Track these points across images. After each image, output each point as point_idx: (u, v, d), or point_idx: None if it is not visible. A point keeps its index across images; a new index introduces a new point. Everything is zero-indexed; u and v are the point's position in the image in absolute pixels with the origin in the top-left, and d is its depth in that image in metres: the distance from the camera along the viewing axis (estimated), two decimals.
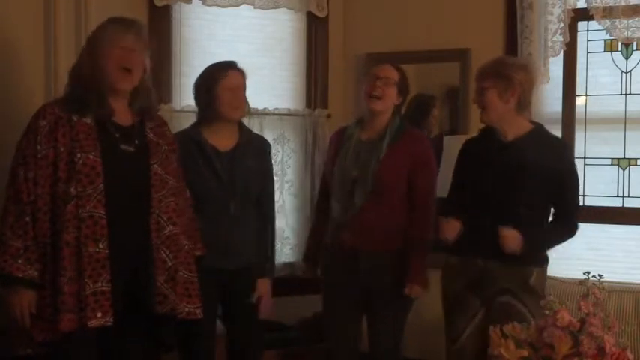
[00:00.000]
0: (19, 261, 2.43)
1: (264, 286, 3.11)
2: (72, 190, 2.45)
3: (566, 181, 2.89)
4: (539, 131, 2.96)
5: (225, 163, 3.01)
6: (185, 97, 3.85)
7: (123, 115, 2.61)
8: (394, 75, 3.13)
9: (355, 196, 3.08)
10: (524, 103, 2.91)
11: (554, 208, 2.93)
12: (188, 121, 3.59)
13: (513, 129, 2.90)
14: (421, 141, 3.22)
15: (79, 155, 2.46)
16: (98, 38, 2.58)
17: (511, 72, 2.87)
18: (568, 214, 2.93)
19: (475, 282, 2.92)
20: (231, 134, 3.08)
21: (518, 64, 2.98)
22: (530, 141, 2.89)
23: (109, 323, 2.44)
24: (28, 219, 2.45)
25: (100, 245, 2.45)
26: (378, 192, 3.07)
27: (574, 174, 2.96)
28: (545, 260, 2.97)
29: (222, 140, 3.05)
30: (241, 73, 3.07)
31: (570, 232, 2.93)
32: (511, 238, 2.78)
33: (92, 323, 2.41)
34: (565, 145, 3.01)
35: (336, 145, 3.23)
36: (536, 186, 2.85)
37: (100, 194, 2.46)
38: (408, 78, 3.21)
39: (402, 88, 3.16)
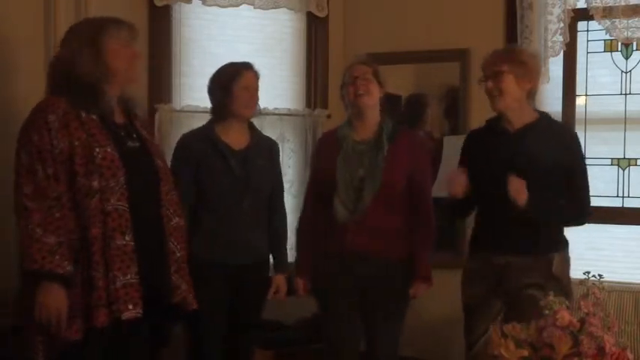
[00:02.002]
0: (56, 257, 2.37)
1: (283, 281, 3.22)
2: (95, 184, 2.43)
3: (575, 168, 2.88)
4: (545, 119, 2.96)
5: (238, 160, 3.09)
6: (185, 97, 3.86)
7: (116, 114, 2.62)
8: (368, 70, 3.11)
9: (364, 196, 3.03)
10: (534, 92, 2.94)
11: (565, 197, 2.89)
12: (188, 121, 3.61)
13: (521, 117, 2.90)
14: (418, 141, 3.24)
15: (97, 149, 2.45)
16: (105, 39, 2.54)
17: (526, 59, 2.90)
18: (579, 200, 2.89)
19: (496, 283, 2.89)
20: (242, 133, 3.17)
21: (530, 52, 3.04)
22: (537, 129, 2.88)
23: (140, 314, 2.44)
24: (58, 215, 2.40)
25: (127, 237, 2.45)
26: (383, 192, 3.04)
27: (582, 161, 2.96)
28: (565, 244, 2.95)
29: (235, 139, 3.14)
30: (256, 74, 3.17)
31: (581, 214, 2.91)
32: (517, 186, 2.73)
33: (125, 315, 2.40)
34: (572, 133, 3.00)
35: (330, 147, 3.15)
36: (547, 174, 2.83)
37: (122, 187, 2.46)
38: (379, 71, 3.17)
39: (380, 80, 3.13)
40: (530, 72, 2.88)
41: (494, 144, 2.92)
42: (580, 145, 2.99)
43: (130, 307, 2.42)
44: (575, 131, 3.03)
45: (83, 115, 2.49)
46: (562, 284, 2.78)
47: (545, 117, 2.97)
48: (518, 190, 2.74)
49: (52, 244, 2.37)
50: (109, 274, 2.41)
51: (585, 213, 2.93)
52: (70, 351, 2.42)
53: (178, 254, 2.63)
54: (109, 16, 2.64)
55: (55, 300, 2.38)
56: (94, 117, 2.51)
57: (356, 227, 3.02)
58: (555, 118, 3.06)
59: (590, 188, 2.96)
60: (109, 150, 2.47)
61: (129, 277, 2.44)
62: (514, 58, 2.88)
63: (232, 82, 3.08)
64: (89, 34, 2.55)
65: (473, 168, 2.96)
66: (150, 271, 2.52)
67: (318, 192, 3.18)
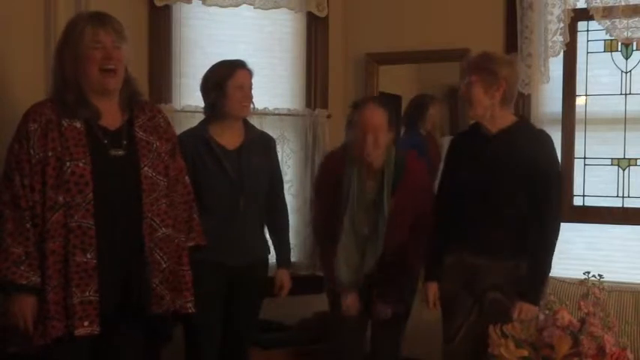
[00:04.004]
0: (22, 267, 2.39)
1: (287, 276, 3.21)
2: (60, 198, 2.42)
3: (545, 174, 2.89)
4: (522, 124, 3.01)
5: (233, 161, 3.06)
6: (185, 97, 3.85)
7: (111, 117, 2.57)
8: (382, 120, 3.05)
9: (367, 256, 3.09)
10: (509, 98, 2.95)
11: (534, 204, 2.89)
12: (188, 121, 3.61)
13: (496, 123, 2.94)
14: (422, 177, 3.17)
15: (68, 163, 2.43)
16: (76, 38, 2.49)
17: (496, 67, 2.90)
18: (546, 210, 2.88)
19: (468, 280, 2.95)
20: (237, 132, 3.13)
21: (503, 59, 3.01)
22: (513, 133, 2.93)
23: (96, 332, 2.43)
24: (28, 225, 2.41)
25: (88, 255, 2.43)
26: (387, 245, 3.10)
27: (554, 167, 2.97)
28: None
29: (229, 138, 3.10)
30: (249, 72, 3.12)
31: (554, 233, 2.90)
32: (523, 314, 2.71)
33: (79, 332, 2.41)
34: (547, 139, 3.01)
35: (338, 175, 3.12)
36: (519, 178, 2.87)
37: (88, 204, 2.43)
38: (392, 114, 3.14)
39: (391, 124, 3.09)
40: (499, 80, 2.88)
41: (474, 147, 2.98)
42: (554, 149, 3.01)
43: (86, 323, 2.41)
44: (550, 135, 3.03)
45: (65, 123, 2.47)
46: None
47: (522, 121, 3.04)
48: (525, 316, 2.71)
49: (20, 254, 2.40)
50: (67, 289, 2.41)
51: (557, 229, 2.92)
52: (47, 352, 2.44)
53: (164, 265, 2.57)
54: (97, 11, 2.59)
55: (18, 308, 2.41)
56: (78, 124, 2.48)
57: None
58: (533, 123, 3.11)
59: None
60: (80, 165, 2.44)
61: (87, 294, 2.42)
62: (484, 67, 2.90)
63: (226, 82, 3.03)
64: (69, 34, 2.51)
65: (454, 169, 3.05)
66: (124, 283, 2.51)
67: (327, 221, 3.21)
